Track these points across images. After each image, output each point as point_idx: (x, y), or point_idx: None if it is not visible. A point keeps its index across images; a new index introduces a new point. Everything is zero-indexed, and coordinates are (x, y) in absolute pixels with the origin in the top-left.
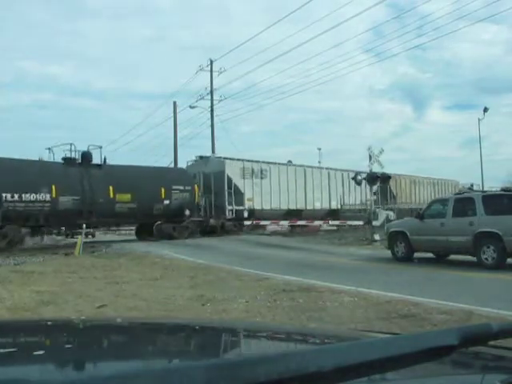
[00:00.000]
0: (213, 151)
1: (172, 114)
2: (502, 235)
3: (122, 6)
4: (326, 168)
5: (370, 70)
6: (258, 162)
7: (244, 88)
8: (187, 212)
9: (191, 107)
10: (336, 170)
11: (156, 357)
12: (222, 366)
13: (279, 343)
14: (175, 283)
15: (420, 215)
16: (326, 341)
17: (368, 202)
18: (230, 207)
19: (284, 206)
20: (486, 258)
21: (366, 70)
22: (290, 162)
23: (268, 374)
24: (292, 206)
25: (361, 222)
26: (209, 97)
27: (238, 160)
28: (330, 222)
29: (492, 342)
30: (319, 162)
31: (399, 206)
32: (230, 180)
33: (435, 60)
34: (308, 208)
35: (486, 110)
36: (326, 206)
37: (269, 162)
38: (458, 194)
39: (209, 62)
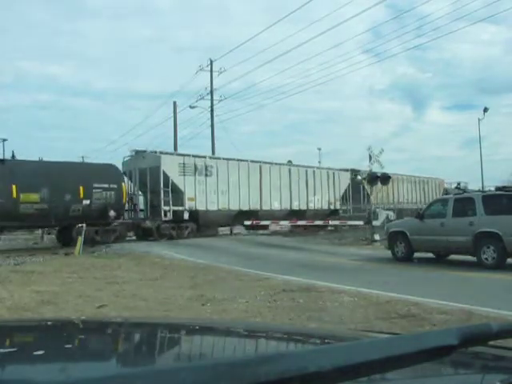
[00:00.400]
0: (213, 151)
1: (172, 114)
2: (502, 235)
3: (122, 6)
4: (287, 164)
5: (369, 70)
6: (202, 157)
7: (244, 88)
8: (112, 213)
9: (191, 107)
10: (299, 166)
11: (156, 357)
12: (222, 365)
13: (279, 343)
14: (175, 283)
15: (420, 215)
16: (325, 341)
17: (338, 203)
18: (167, 207)
19: (234, 207)
20: (486, 258)
21: (365, 70)
22: (290, 162)
23: (268, 374)
24: (244, 207)
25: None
26: (209, 97)
27: (178, 155)
28: (331, 222)
29: (492, 342)
30: (319, 162)
31: (371, 207)
32: (166, 177)
33: (435, 60)
34: (264, 208)
35: (485, 110)
36: (286, 206)
37: (215, 157)
38: (457, 194)
39: (209, 62)
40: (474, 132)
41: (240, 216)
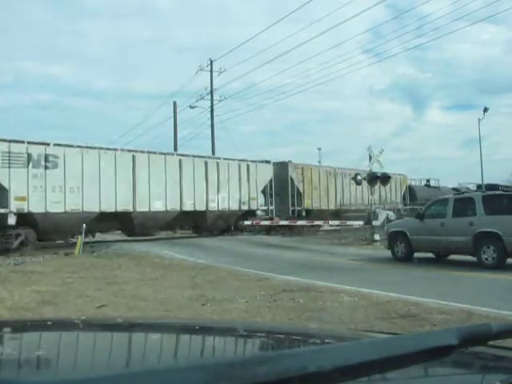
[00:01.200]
0: (213, 151)
1: (172, 114)
2: (502, 235)
3: (122, 6)
4: (177, 154)
5: (369, 70)
6: (41, 144)
7: (244, 88)
8: None
9: (191, 107)
10: (195, 156)
11: (156, 357)
12: (222, 366)
13: (279, 343)
14: (175, 283)
15: (420, 215)
16: (326, 341)
17: (259, 202)
18: None
19: (92, 208)
20: (486, 258)
21: (365, 70)
22: (290, 162)
23: (267, 374)
24: (109, 208)
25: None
26: (209, 97)
27: (1, 140)
28: (330, 222)
29: (492, 342)
30: (319, 162)
31: (308, 208)
32: None
33: (435, 60)
34: (140, 210)
35: (485, 110)
36: (174, 206)
37: (63, 145)
38: (457, 193)
39: (209, 62)
40: (474, 132)
41: (106, 219)
